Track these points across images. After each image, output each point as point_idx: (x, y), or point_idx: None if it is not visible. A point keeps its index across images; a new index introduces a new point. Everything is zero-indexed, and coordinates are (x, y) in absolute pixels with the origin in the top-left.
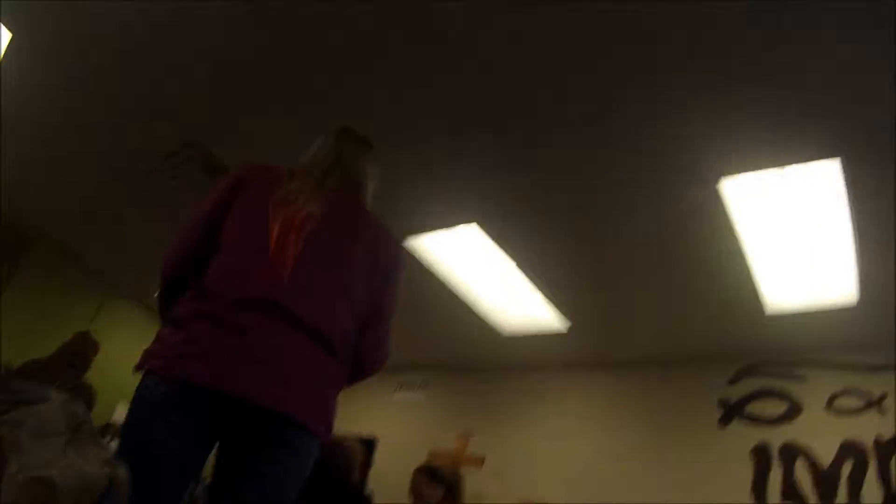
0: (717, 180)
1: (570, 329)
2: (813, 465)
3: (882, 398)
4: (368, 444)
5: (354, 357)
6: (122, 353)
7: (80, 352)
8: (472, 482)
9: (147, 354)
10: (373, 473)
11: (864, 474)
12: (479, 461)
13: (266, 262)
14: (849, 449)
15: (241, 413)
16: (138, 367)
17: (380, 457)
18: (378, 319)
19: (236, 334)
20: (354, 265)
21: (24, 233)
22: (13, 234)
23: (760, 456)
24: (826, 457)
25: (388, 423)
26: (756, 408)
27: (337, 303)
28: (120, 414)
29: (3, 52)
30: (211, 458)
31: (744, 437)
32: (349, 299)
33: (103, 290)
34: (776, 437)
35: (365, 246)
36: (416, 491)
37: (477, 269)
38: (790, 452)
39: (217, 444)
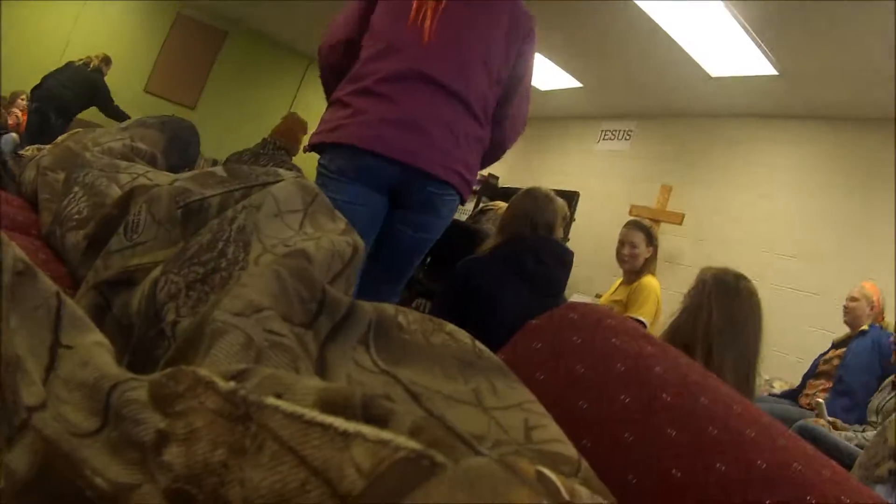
0: None
1: (783, 73)
2: None
3: None
4: (570, 198)
5: (493, 126)
6: None
7: (289, 133)
8: (669, 241)
9: (314, 136)
10: (574, 227)
11: None
12: (679, 217)
13: (408, 36)
14: None
15: (395, 171)
16: (309, 148)
17: (580, 209)
18: (516, 90)
19: (385, 103)
20: (491, 36)
21: (216, 27)
22: (207, 30)
23: None
24: None
25: (589, 175)
26: None
27: (475, 68)
28: None
29: None
30: None
31: None
32: (486, 67)
33: (299, 73)
34: None
35: (500, 19)
36: (624, 244)
37: (680, 5)
38: None
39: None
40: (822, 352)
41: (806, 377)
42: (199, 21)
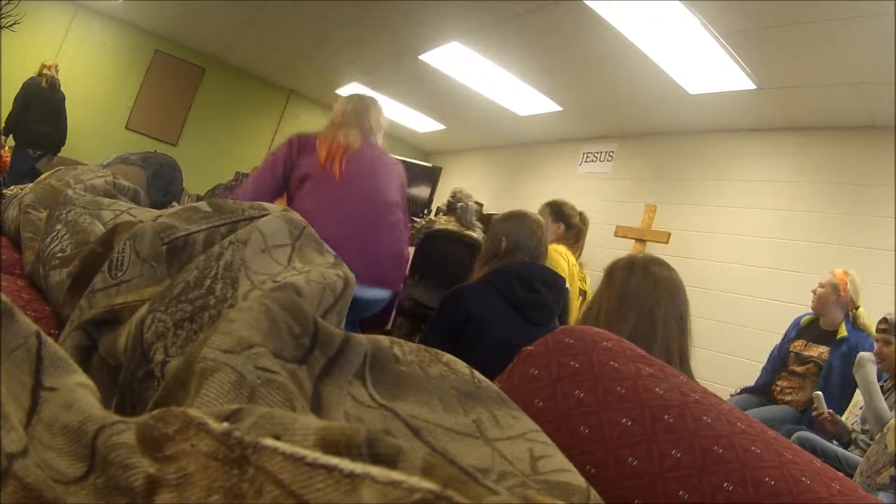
0: None
1: (761, 86)
2: None
3: None
4: None
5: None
6: None
7: None
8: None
9: None
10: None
11: None
12: (665, 236)
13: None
14: None
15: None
16: None
17: None
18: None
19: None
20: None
21: (193, 63)
22: (185, 67)
23: None
24: None
25: (572, 197)
26: None
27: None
28: None
29: None
30: None
31: None
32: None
33: (278, 106)
34: None
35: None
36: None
37: (656, 24)
38: None
39: None
40: (787, 334)
41: (773, 366)
42: (177, 57)
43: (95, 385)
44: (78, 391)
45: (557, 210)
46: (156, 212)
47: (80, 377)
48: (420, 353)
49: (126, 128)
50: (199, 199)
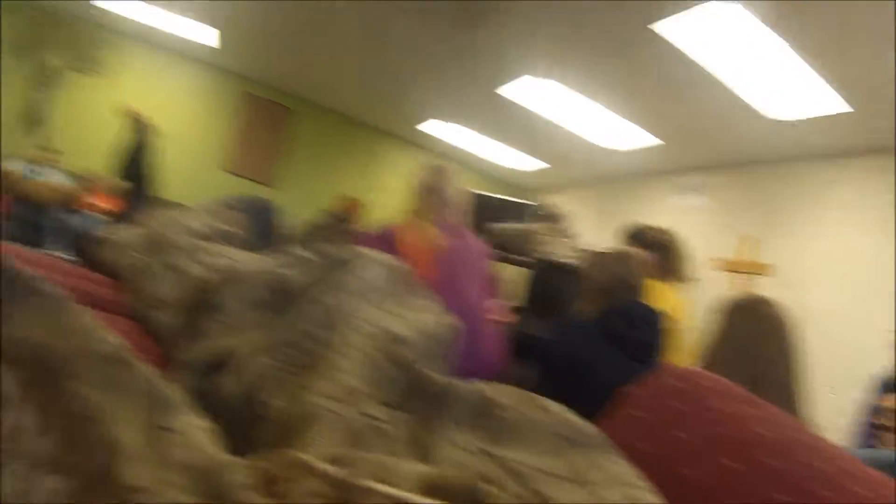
0: None
1: (857, 111)
2: None
3: None
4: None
5: None
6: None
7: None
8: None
9: None
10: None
11: None
12: (764, 268)
13: None
14: None
15: None
16: None
17: None
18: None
19: None
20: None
21: (279, 104)
22: (271, 108)
23: None
24: None
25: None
26: None
27: None
28: None
29: None
30: None
31: None
32: None
33: (368, 145)
34: None
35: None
36: None
37: (741, 52)
38: None
39: None
40: (870, 396)
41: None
42: (265, 99)
43: (206, 424)
44: (195, 432)
45: (641, 237)
46: (256, 256)
47: (194, 418)
48: (520, 398)
49: (222, 170)
50: (295, 239)
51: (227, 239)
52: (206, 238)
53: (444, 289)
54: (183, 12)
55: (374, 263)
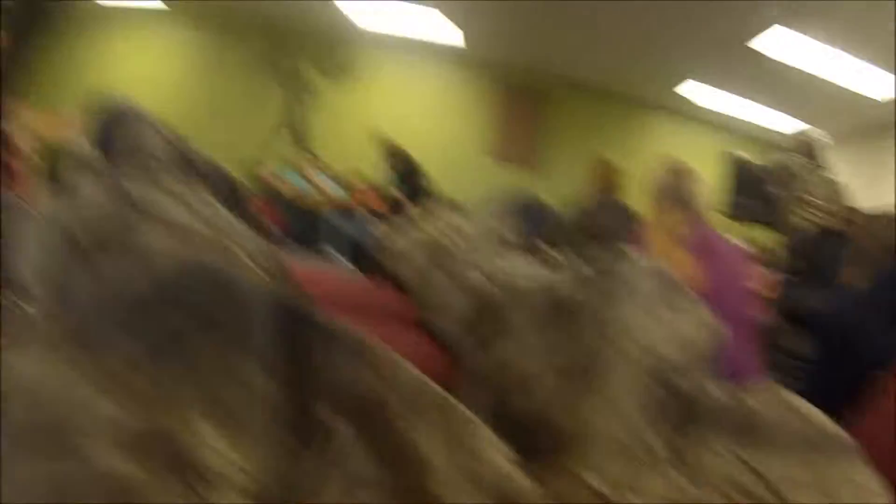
0: None
1: None
2: None
3: None
4: None
5: None
6: None
7: (609, 183)
8: None
9: None
10: None
11: None
12: None
13: None
14: None
15: None
16: None
17: None
18: None
19: None
20: None
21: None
22: (527, 93)
23: None
24: None
25: None
26: None
27: None
28: None
29: None
30: None
31: None
32: None
33: (623, 116)
34: None
35: None
36: None
37: None
38: None
39: None
40: None
41: None
42: (519, 86)
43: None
44: (494, 453)
45: None
46: (532, 264)
47: (492, 438)
48: (775, 400)
49: (488, 160)
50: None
51: (501, 242)
52: (487, 243)
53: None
54: (428, 15)
55: (641, 268)
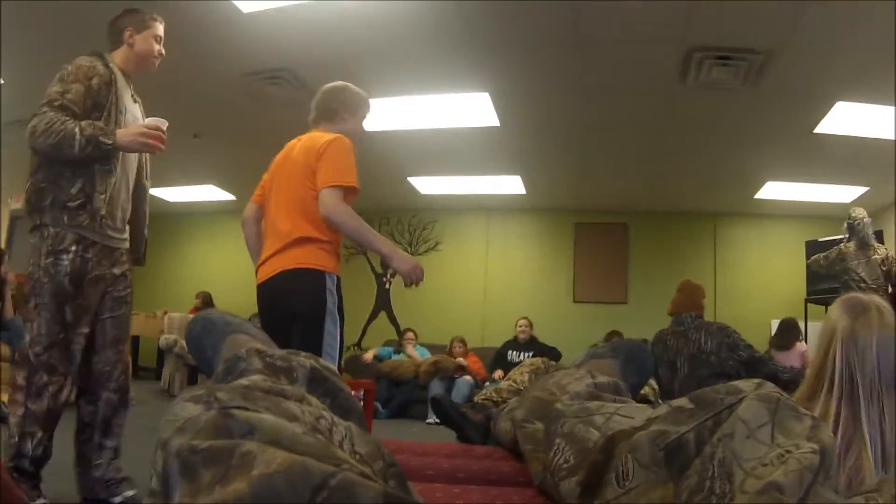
0: None
1: None
2: None
3: None
4: None
5: None
6: None
7: (694, 301)
8: None
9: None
10: None
11: None
12: None
13: None
14: None
15: None
16: None
17: None
18: None
19: None
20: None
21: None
22: (608, 228)
23: None
24: None
25: None
26: None
27: None
28: None
29: None
30: None
31: None
32: None
33: (708, 233)
34: None
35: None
36: None
37: None
38: None
39: None
40: None
41: None
42: (597, 223)
43: None
44: None
45: None
46: (644, 408)
47: None
48: None
49: (574, 301)
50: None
51: (608, 390)
52: (592, 397)
53: None
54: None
55: (753, 401)
